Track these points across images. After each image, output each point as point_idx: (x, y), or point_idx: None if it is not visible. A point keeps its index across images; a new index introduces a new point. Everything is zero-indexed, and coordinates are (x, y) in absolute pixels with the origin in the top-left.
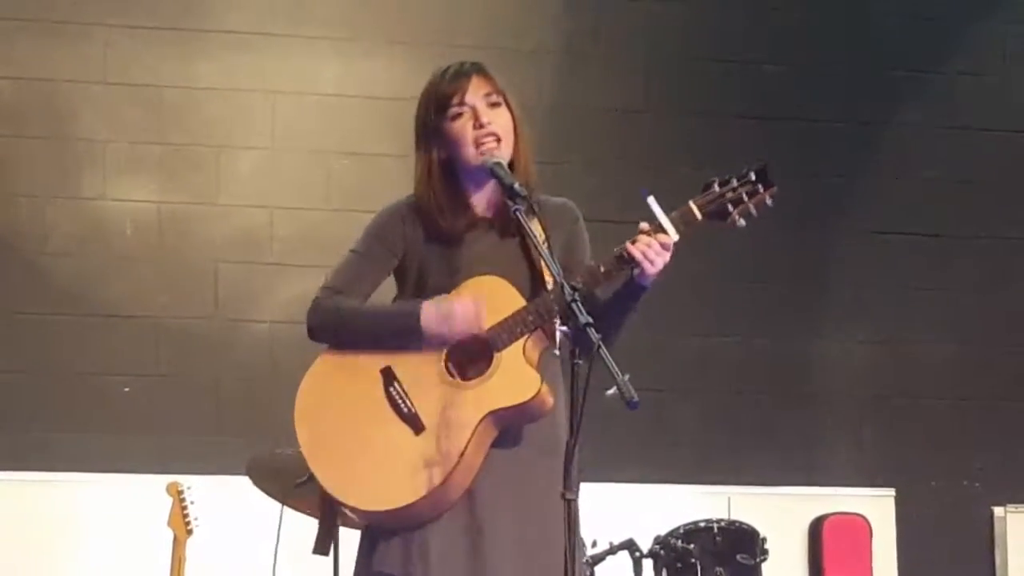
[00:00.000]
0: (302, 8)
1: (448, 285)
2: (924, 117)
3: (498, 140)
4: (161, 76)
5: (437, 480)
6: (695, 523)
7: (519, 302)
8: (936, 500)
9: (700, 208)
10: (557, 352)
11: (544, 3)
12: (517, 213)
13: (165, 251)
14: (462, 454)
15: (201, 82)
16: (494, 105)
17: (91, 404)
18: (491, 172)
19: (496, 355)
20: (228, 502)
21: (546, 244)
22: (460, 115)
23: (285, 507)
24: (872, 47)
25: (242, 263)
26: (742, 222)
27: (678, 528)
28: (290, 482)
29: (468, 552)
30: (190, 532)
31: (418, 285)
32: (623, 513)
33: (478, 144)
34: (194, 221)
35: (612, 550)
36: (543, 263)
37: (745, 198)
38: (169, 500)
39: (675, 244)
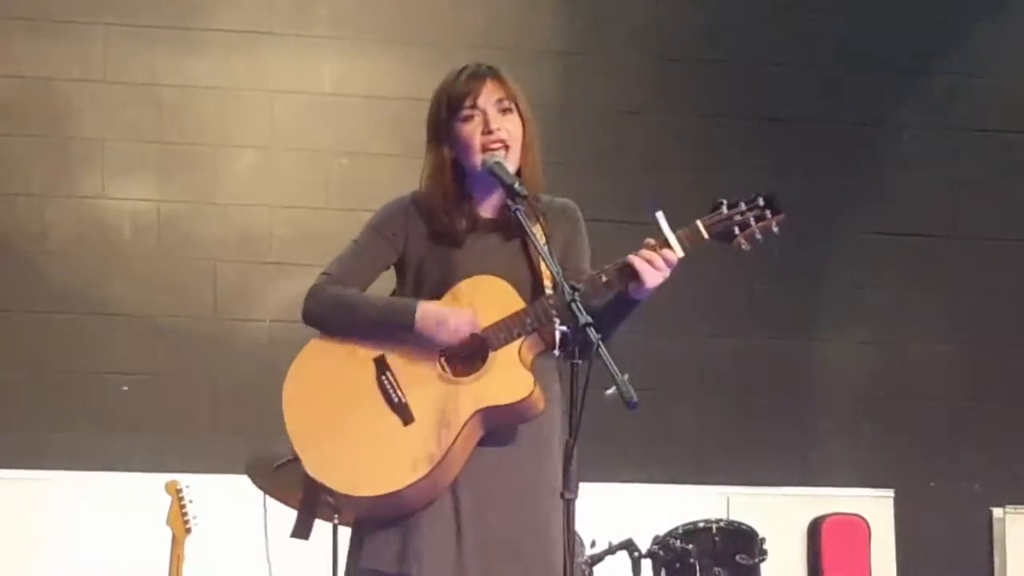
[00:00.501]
0: (301, 7)
1: (447, 283)
2: (921, 118)
3: (506, 148)
4: (160, 75)
5: (421, 472)
6: (694, 523)
7: (518, 304)
8: (935, 501)
9: (707, 228)
10: (557, 352)
11: (545, 4)
12: (517, 213)
13: (164, 250)
14: (449, 448)
15: (200, 81)
16: (505, 111)
17: (89, 403)
18: (490, 171)
19: (491, 354)
20: (226, 501)
21: (546, 245)
22: (471, 118)
23: (285, 506)
24: (871, 48)
25: (241, 262)
26: (746, 246)
27: (677, 528)
28: (287, 480)
29: (458, 549)
30: (188, 531)
31: (417, 281)
32: (622, 513)
33: (485, 150)
34: (193, 220)
35: (611, 550)
36: (543, 265)
37: (752, 223)
38: (168, 499)
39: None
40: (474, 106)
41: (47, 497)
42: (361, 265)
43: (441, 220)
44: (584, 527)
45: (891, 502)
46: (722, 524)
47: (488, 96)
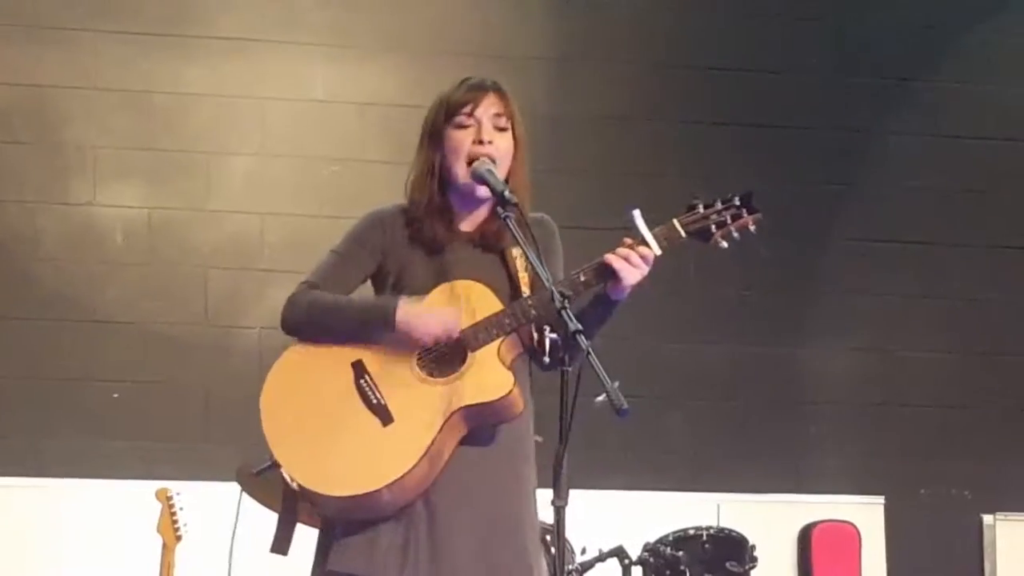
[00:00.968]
0: (293, 14)
1: (426, 289)
2: (913, 125)
3: (492, 162)
4: (151, 82)
5: (400, 471)
6: (684, 530)
7: (497, 307)
8: (925, 508)
9: (684, 226)
10: (547, 360)
11: (534, 11)
12: (507, 220)
13: (155, 257)
14: (428, 448)
15: (191, 88)
16: (500, 129)
17: (80, 410)
18: (481, 177)
19: (470, 354)
20: (217, 508)
21: (535, 251)
22: (464, 127)
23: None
24: (860, 55)
25: (232, 269)
26: (724, 244)
27: (667, 535)
28: (274, 486)
29: (431, 552)
30: (179, 538)
31: (396, 290)
32: (612, 520)
33: (471, 160)
34: (184, 227)
35: (601, 557)
36: (522, 277)
37: (728, 221)
38: (158, 506)
39: (656, 258)
40: (471, 115)
41: (38, 504)
42: (340, 274)
43: (424, 226)
44: (574, 534)
45: (882, 509)
46: (712, 531)
47: (486, 108)
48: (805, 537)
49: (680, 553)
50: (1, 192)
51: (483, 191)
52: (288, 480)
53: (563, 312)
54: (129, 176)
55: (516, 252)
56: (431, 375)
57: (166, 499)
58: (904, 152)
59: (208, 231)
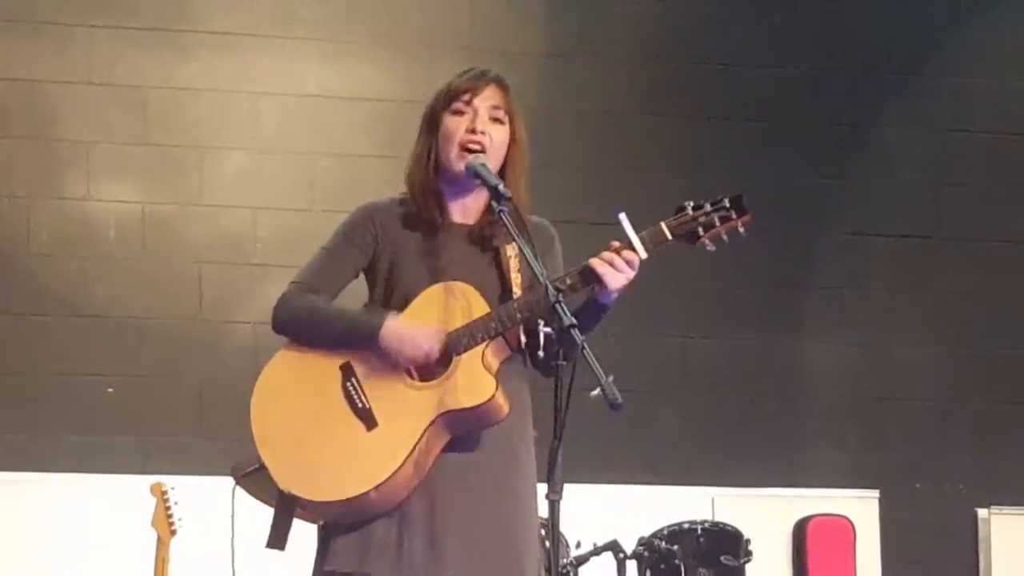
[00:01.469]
0: (286, 10)
1: (418, 287)
2: (907, 119)
3: (483, 151)
4: (145, 77)
5: (383, 476)
6: (679, 524)
7: (484, 309)
8: (920, 502)
9: (671, 229)
10: (542, 354)
11: (528, 6)
12: (501, 214)
13: (149, 252)
14: (411, 452)
15: (185, 83)
16: (496, 120)
17: (75, 405)
18: (475, 173)
19: (455, 358)
20: (212, 503)
21: (529, 246)
22: (461, 113)
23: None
24: (856, 49)
25: (226, 264)
26: (711, 246)
27: (662, 529)
28: (272, 485)
29: (423, 551)
30: (174, 532)
31: (388, 285)
32: (607, 514)
33: (463, 146)
34: (178, 222)
35: (596, 551)
36: (514, 274)
37: (717, 223)
38: (153, 501)
39: (646, 257)
40: (468, 103)
41: (32, 499)
42: (331, 272)
43: (420, 210)
44: (569, 528)
45: (876, 503)
46: (707, 525)
47: (485, 99)
48: (800, 531)
49: (675, 547)
50: None
51: (477, 180)
52: None
53: (557, 306)
54: (122, 171)
55: (511, 251)
56: (417, 379)
57: (161, 494)
58: (897, 146)
59: (201, 226)
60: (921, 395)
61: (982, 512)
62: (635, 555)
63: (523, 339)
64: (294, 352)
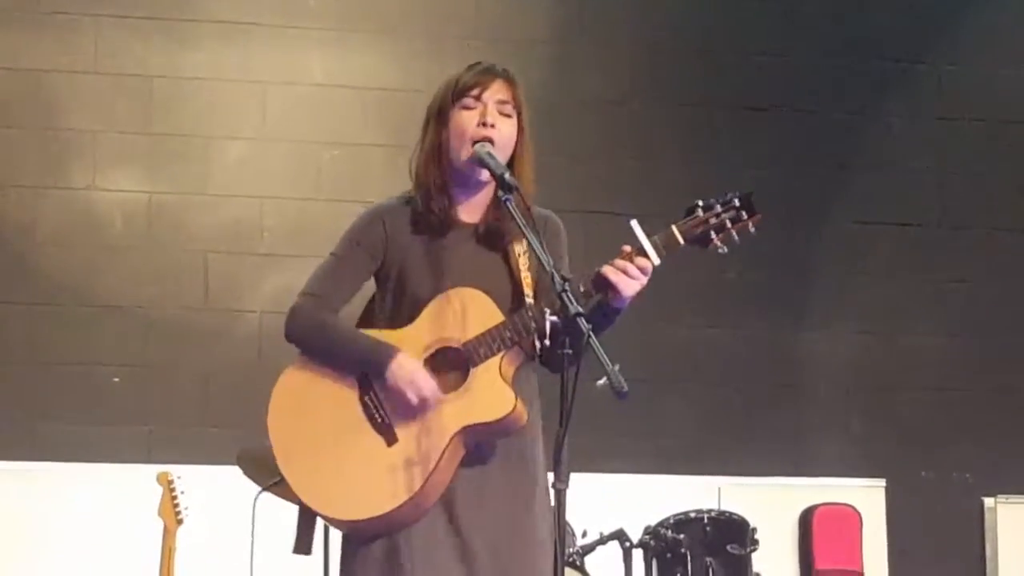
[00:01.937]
0: None
1: (428, 291)
2: (911, 108)
3: (492, 144)
4: (150, 66)
5: (407, 494)
6: (685, 513)
7: (497, 317)
8: (926, 491)
9: (683, 233)
10: (547, 343)
11: None
12: (507, 203)
13: (154, 241)
14: (434, 469)
15: (190, 72)
16: (504, 115)
17: (81, 394)
18: (480, 160)
19: (472, 370)
20: (218, 491)
21: (535, 235)
22: (470, 108)
23: (273, 501)
24: (859, 38)
25: (232, 253)
26: (724, 249)
27: (668, 518)
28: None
29: (452, 557)
30: (180, 521)
31: (398, 287)
32: (613, 503)
33: (474, 140)
34: (183, 212)
35: (602, 540)
36: (527, 276)
37: (728, 224)
38: (159, 490)
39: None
40: (478, 98)
41: (39, 488)
42: (341, 280)
43: (431, 204)
44: (575, 518)
45: (882, 492)
46: (713, 514)
47: (493, 93)
48: (806, 520)
49: (681, 536)
50: (0, 176)
51: (484, 174)
52: None
53: (563, 295)
54: (128, 161)
55: (519, 249)
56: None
57: (167, 483)
58: (903, 134)
59: (207, 215)
60: (927, 384)
61: (988, 501)
62: (641, 544)
63: (538, 346)
64: (308, 364)
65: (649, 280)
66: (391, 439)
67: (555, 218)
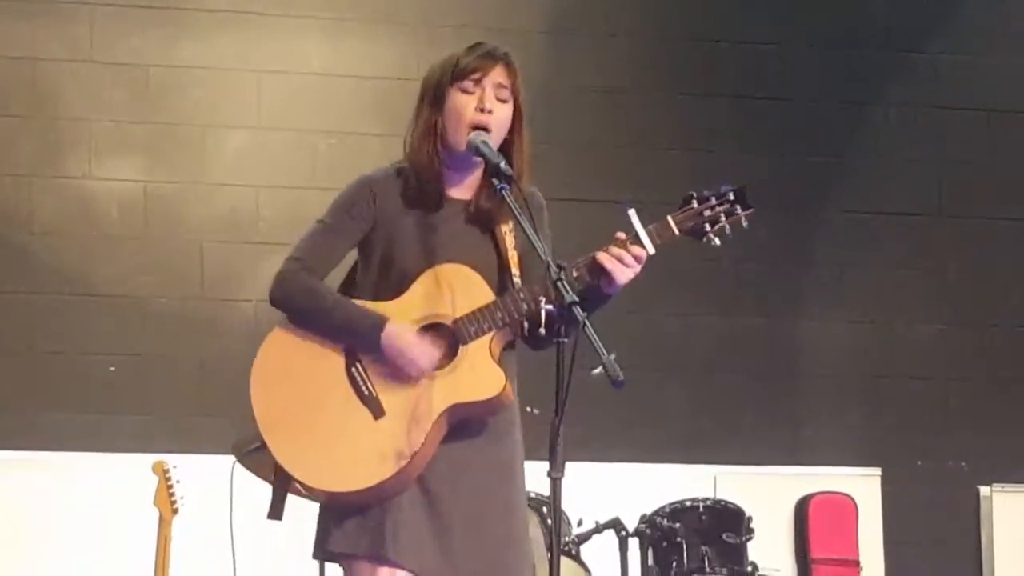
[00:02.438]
0: None
1: (417, 265)
2: (909, 97)
3: (487, 131)
4: (147, 55)
5: (392, 469)
6: (681, 502)
7: (488, 296)
8: (922, 479)
9: (678, 224)
10: (543, 332)
11: None
12: (503, 192)
13: (151, 230)
14: (422, 444)
15: (187, 61)
16: (501, 100)
17: (76, 383)
18: (476, 150)
19: (462, 347)
20: (213, 481)
21: (531, 224)
22: (469, 91)
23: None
24: (858, 27)
25: (228, 243)
26: (717, 241)
27: (664, 507)
28: (269, 460)
29: (429, 533)
30: (176, 511)
31: (386, 259)
32: (609, 492)
33: (472, 125)
34: (180, 201)
35: (598, 529)
36: (513, 254)
37: (722, 218)
38: (155, 479)
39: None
40: (478, 82)
41: (34, 478)
42: (328, 247)
43: (422, 182)
44: (571, 506)
45: (878, 480)
46: (709, 503)
47: (493, 78)
48: (802, 509)
49: (677, 525)
50: None
51: (478, 159)
52: None
53: (559, 284)
54: (124, 150)
55: (506, 228)
56: None
57: (163, 472)
58: (901, 124)
59: (204, 204)
60: (923, 373)
61: (984, 490)
62: (637, 533)
63: (526, 326)
64: (293, 331)
65: (644, 267)
66: (378, 412)
67: (539, 194)
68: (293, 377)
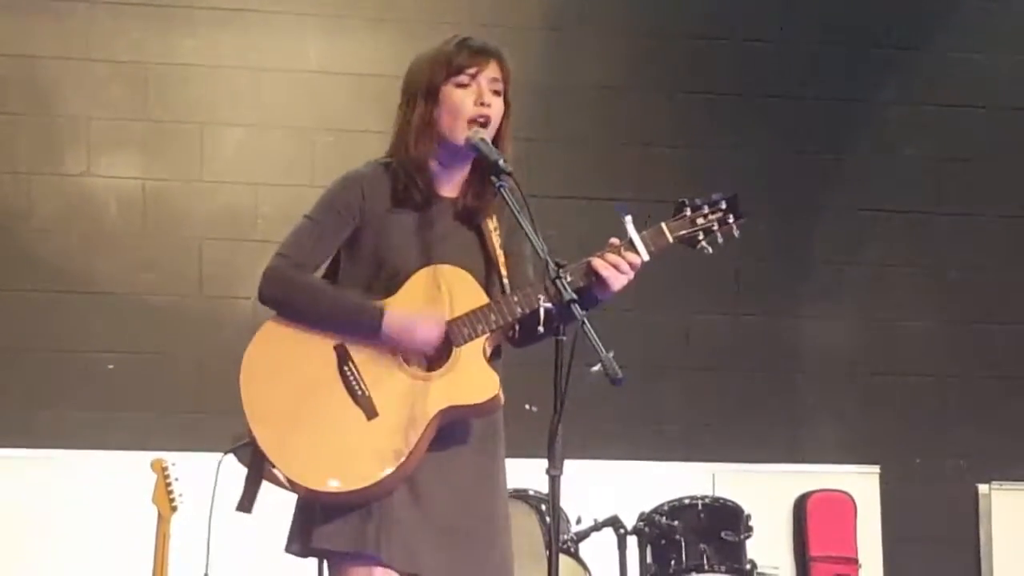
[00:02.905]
0: None
1: (408, 263)
2: (907, 94)
3: (485, 127)
4: (145, 52)
5: (386, 471)
6: (679, 500)
7: (482, 298)
8: (921, 477)
9: (671, 231)
10: (542, 330)
11: None
12: (502, 189)
13: (149, 228)
14: (416, 447)
15: (185, 59)
16: (495, 92)
17: (75, 381)
18: (475, 147)
19: (455, 350)
20: (212, 479)
21: (530, 221)
22: (466, 86)
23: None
24: (858, 24)
25: (226, 240)
26: (710, 250)
27: (662, 505)
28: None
29: (413, 530)
30: (174, 509)
31: (376, 257)
32: (608, 490)
33: (472, 121)
34: (178, 198)
35: (597, 527)
36: (500, 253)
37: (715, 227)
38: (153, 477)
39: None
40: (474, 78)
41: (32, 475)
42: (317, 243)
43: (416, 180)
44: (569, 504)
45: (877, 478)
46: (707, 500)
47: (488, 74)
48: (800, 506)
49: (675, 522)
50: None
51: (468, 156)
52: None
53: (558, 282)
54: (123, 147)
55: (492, 225)
56: (416, 366)
57: (161, 470)
58: (897, 121)
59: (202, 202)
60: (922, 370)
61: (983, 487)
62: (636, 531)
63: (517, 328)
64: (283, 326)
65: (642, 265)
66: (371, 414)
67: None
68: (282, 376)
